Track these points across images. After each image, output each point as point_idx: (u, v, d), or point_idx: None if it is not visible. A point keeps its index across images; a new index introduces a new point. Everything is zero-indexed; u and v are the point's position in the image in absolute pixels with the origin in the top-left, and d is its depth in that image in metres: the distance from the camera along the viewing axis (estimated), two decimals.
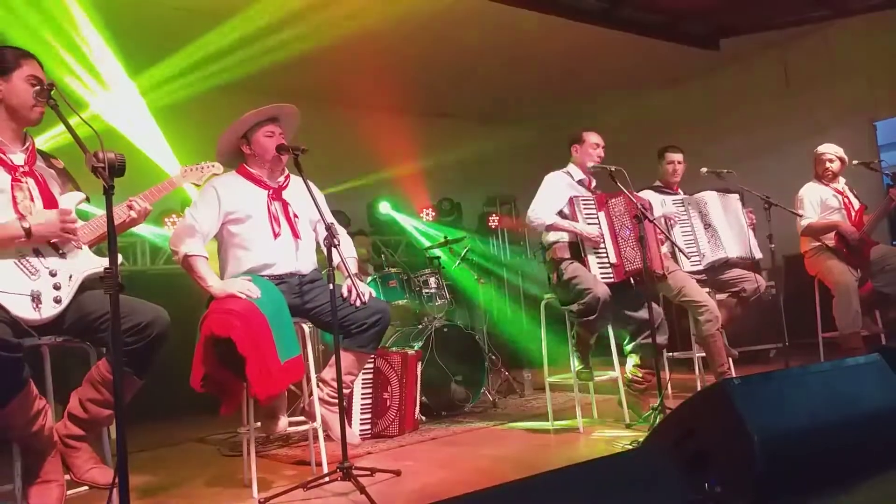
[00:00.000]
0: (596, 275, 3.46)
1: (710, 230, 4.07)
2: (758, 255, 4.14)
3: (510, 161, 7.69)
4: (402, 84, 6.72)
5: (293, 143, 2.92)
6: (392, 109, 7.32)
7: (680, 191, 4.25)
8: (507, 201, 8.06)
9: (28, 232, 2.23)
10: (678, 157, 4.23)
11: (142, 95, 5.58)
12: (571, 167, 3.84)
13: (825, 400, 1.64)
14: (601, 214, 3.61)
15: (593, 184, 3.85)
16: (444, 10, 5.47)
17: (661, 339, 3.52)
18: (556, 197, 3.66)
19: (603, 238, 3.55)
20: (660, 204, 4.06)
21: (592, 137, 3.81)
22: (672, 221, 3.99)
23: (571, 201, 3.61)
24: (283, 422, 2.78)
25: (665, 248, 4.02)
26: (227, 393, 2.74)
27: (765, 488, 1.42)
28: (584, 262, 3.52)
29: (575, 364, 3.59)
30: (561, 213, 3.64)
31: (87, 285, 2.40)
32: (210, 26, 5.20)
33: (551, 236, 3.66)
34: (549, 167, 3.87)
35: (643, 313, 3.44)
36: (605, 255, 3.55)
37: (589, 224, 3.57)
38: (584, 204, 3.62)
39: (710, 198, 4.14)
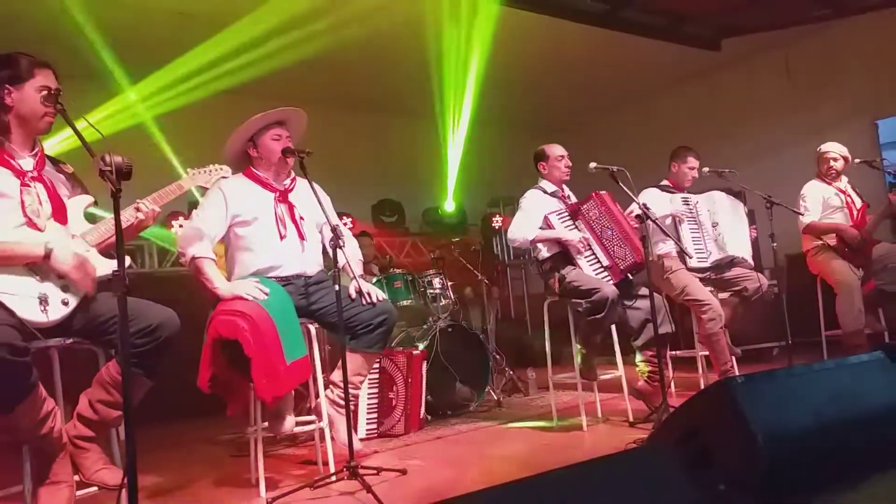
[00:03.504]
0: (594, 281, 3.49)
1: (717, 229, 4.07)
2: (751, 262, 4.16)
3: (513, 162, 7.70)
4: (404, 87, 6.74)
5: (299, 145, 2.95)
6: (395, 112, 7.34)
7: (685, 191, 4.26)
8: (510, 202, 8.07)
9: (48, 255, 2.25)
10: (698, 164, 4.21)
11: (147, 100, 5.60)
12: (543, 182, 3.88)
13: (829, 398, 1.64)
14: (579, 223, 3.66)
15: (566, 193, 3.88)
16: (446, 13, 5.49)
17: (665, 328, 3.54)
18: (534, 213, 3.70)
19: (588, 244, 3.59)
20: (668, 202, 4.08)
21: (556, 150, 3.86)
22: (680, 219, 4.00)
23: (546, 219, 3.64)
24: (290, 422, 2.79)
25: (669, 247, 4.03)
26: (234, 394, 2.76)
27: (769, 487, 1.42)
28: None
29: (579, 363, 3.61)
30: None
31: (98, 287, 2.41)
32: (214, 31, 5.22)
33: (544, 252, 3.68)
34: None
35: (645, 305, 3.45)
36: (595, 260, 3.58)
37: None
38: (559, 217, 3.66)
39: (718, 197, 4.15)
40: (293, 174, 3.09)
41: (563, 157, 3.85)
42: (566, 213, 3.68)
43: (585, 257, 3.58)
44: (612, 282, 3.50)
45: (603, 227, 3.63)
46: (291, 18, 5.08)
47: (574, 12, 5.63)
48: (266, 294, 2.67)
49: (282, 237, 2.90)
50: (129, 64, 5.35)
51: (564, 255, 3.64)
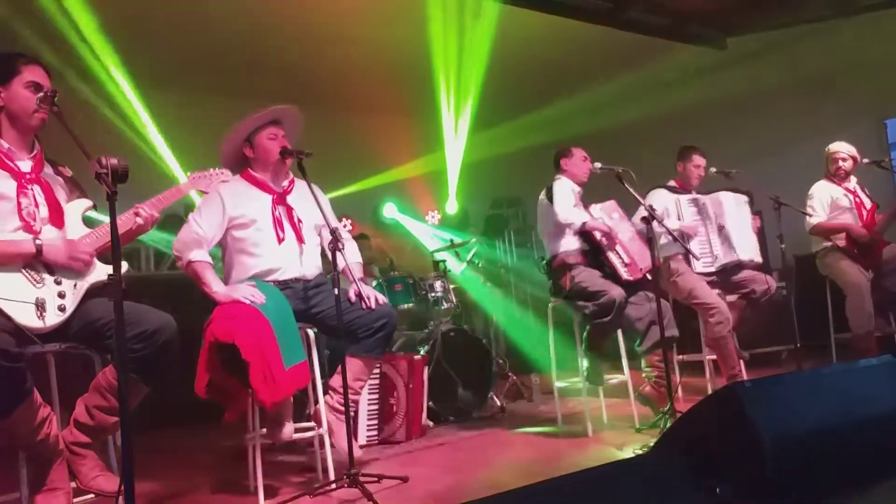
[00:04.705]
0: (622, 273, 3.50)
1: (724, 232, 4.03)
2: (759, 259, 4.11)
3: (517, 163, 7.69)
4: (405, 87, 6.73)
5: (297, 146, 2.92)
6: (397, 112, 7.33)
7: (693, 191, 4.22)
8: (514, 204, 8.04)
9: (39, 250, 2.24)
10: (704, 162, 4.17)
11: (144, 100, 5.61)
12: (563, 178, 3.84)
13: (838, 402, 1.62)
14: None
15: (581, 194, 3.86)
16: (445, 13, 5.48)
17: (671, 332, 3.50)
18: (570, 199, 3.68)
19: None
20: (674, 203, 4.04)
21: (580, 151, 3.86)
22: (690, 236, 3.96)
23: None
24: (289, 428, 2.76)
25: (676, 249, 3.99)
26: (232, 399, 2.73)
27: (776, 492, 1.40)
28: (599, 267, 3.56)
29: (584, 368, 3.57)
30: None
31: (93, 292, 2.40)
32: (215, 31, 5.21)
33: (563, 245, 3.64)
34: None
35: (651, 308, 3.42)
36: (617, 255, 3.59)
37: None
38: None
39: (725, 198, 4.10)
40: (291, 175, 3.06)
41: (587, 157, 3.84)
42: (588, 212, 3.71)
43: (615, 250, 3.58)
44: (632, 278, 3.51)
45: (622, 230, 3.66)
46: (293, 18, 5.08)
47: (578, 12, 5.62)
48: (263, 299, 2.64)
49: (280, 240, 2.88)
50: (129, 64, 5.34)
51: (577, 252, 3.62)
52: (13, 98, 2.32)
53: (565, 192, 3.69)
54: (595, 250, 3.61)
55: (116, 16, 4.87)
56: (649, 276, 3.60)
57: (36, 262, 2.27)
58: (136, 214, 2.46)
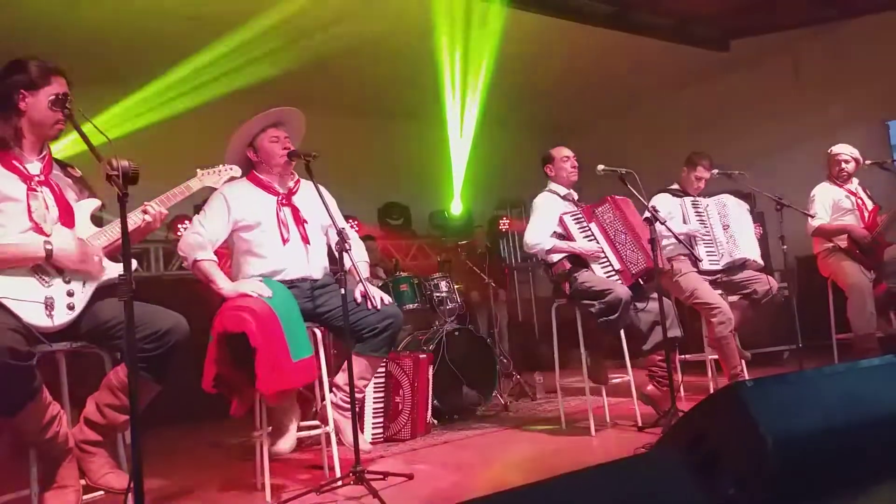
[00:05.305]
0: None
1: (729, 231, 4.06)
2: (761, 262, 4.14)
3: (520, 165, 7.70)
4: (410, 89, 6.74)
5: (304, 148, 2.94)
6: (403, 115, 7.34)
7: (694, 195, 4.24)
8: (518, 205, 8.06)
9: (49, 255, 2.26)
10: (708, 174, 4.18)
11: (150, 103, 5.62)
12: (552, 185, 3.84)
13: (840, 402, 1.62)
14: (593, 226, 3.61)
15: (576, 197, 3.86)
16: (447, 15, 5.49)
17: (674, 332, 3.50)
18: (548, 218, 3.65)
19: (602, 250, 3.55)
20: (678, 206, 4.06)
21: (562, 152, 3.84)
22: (696, 239, 3.98)
23: (561, 219, 3.61)
24: (290, 440, 2.75)
25: (679, 250, 4.00)
26: (239, 392, 2.73)
27: (778, 491, 1.41)
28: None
29: (587, 367, 3.58)
30: (554, 233, 3.63)
31: (103, 291, 2.42)
32: (218, 34, 5.23)
33: (555, 255, 3.65)
34: None
35: (654, 308, 3.42)
36: (608, 263, 3.54)
37: (584, 237, 3.57)
38: (574, 219, 3.63)
39: (728, 200, 4.16)
40: (297, 176, 3.08)
41: (568, 157, 3.82)
42: (581, 215, 3.65)
43: (599, 262, 3.56)
44: (623, 285, 3.48)
45: (616, 231, 3.60)
46: (298, 21, 5.09)
47: (582, 14, 5.62)
48: (270, 292, 2.66)
49: (285, 241, 2.89)
50: (137, 67, 5.36)
51: (576, 257, 3.61)
52: (38, 107, 2.36)
53: (541, 211, 3.68)
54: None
55: (117, 17, 4.91)
56: (641, 282, 3.60)
57: (45, 266, 2.29)
58: (145, 212, 2.49)
